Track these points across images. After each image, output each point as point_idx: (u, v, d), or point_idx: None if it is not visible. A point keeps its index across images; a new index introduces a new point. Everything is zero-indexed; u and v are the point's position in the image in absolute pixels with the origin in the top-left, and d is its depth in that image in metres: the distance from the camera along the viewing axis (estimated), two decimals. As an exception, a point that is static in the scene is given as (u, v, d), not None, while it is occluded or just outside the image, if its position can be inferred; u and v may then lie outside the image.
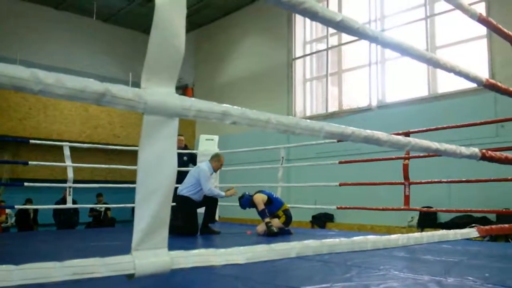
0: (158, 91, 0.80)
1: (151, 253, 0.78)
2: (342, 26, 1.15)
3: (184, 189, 5.35)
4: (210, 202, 5.49)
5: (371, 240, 1.15)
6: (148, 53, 0.80)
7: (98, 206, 9.76)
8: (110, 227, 9.38)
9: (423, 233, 1.37)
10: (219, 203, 7.12)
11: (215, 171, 5.55)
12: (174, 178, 0.82)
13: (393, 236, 1.23)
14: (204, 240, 4.94)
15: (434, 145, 1.39)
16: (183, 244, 4.16)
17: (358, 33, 1.21)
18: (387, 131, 4.98)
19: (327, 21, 1.12)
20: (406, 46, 1.37)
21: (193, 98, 0.86)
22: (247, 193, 5.34)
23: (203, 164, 5.48)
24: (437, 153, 1.42)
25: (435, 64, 1.49)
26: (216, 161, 5.51)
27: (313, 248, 1.02)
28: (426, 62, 1.47)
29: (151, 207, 0.79)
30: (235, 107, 0.92)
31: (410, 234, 1.33)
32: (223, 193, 5.34)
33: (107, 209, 10.35)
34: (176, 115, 0.82)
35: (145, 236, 0.78)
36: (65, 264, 0.70)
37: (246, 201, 5.23)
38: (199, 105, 0.86)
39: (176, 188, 6.76)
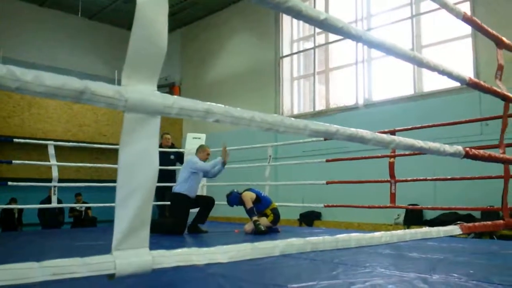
0: (139, 88, 0.79)
1: (132, 253, 0.77)
2: (326, 25, 1.15)
3: (178, 186, 5.30)
4: (205, 204, 5.43)
5: (354, 238, 1.15)
6: (129, 51, 0.79)
7: (78, 205, 9.61)
8: (92, 227, 9.28)
9: (406, 230, 1.38)
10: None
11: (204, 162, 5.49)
12: (155, 177, 0.81)
13: (377, 234, 1.24)
14: (190, 239, 4.91)
15: (418, 143, 1.40)
16: (170, 243, 4.14)
17: (342, 32, 1.21)
18: (374, 129, 4.99)
19: (311, 20, 1.12)
20: (389, 45, 1.38)
21: (175, 96, 0.85)
22: (235, 190, 5.32)
23: (189, 157, 5.48)
24: (421, 151, 1.43)
25: (418, 63, 1.50)
26: (202, 152, 5.48)
27: (296, 246, 1.02)
28: (410, 61, 1.48)
29: (131, 206, 0.78)
30: (218, 104, 0.91)
31: (394, 232, 1.34)
32: (219, 158, 5.27)
33: (87, 208, 10.19)
34: (157, 113, 0.81)
35: (125, 236, 0.77)
36: (43, 264, 0.69)
37: (235, 199, 5.22)
38: (181, 103, 0.85)
39: (167, 188, 6.78)
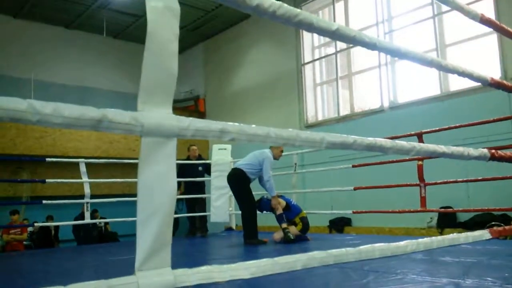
0: (155, 113, 0.82)
1: (155, 273, 0.80)
2: (338, 35, 1.16)
3: (243, 165, 5.22)
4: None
5: (378, 248, 1.15)
6: (142, 77, 0.82)
7: (97, 221, 9.73)
8: (115, 241, 9.42)
9: (433, 238, 1.36)
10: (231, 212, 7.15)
11: (276, 159, 5.37)
12: (174, 198, 0.83)
13: (402, 243, 1.23)
14: (216, 250, 4.94)
15: (440, 148, 1.38)
16: (192, 260, 4.17)
17: (355, 41, 1.21)
18: (400, 132, 4.88)
19: (323, 31, 1.13)
20: (405, 51, 1.37)
21: (190, 118, 0.88)
22: (265, 196, 5.31)
23: (267, 151, 5.28)
24: (443, 156, 1.41)
25: (437, 66, 1.49)
26: (276, 148, 5.31)
27: (318, 259, 1.02)
28: (428, 64, 1.46)
29: (152, 227, 0.80)
30: (232, 123, 0.93)
31: (420, 240, 1.32)
32: (275, 193, 5.11)
33: (106, 223, 10.23)
34: (173, 135, 0.83)
35: (148, 256, 0.79)
36: (68, 287, 0.72)
37: (265, 205, 5.20)
38: (196, 124, 0.87)
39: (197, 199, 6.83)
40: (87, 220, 6.22)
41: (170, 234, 0.83)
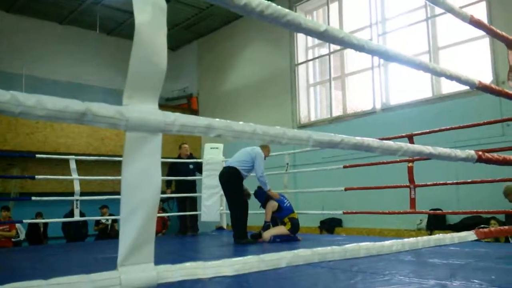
0: (140, 107, 0.81)
1: (137, 268, 0.79)
2: (326, 36, 1.16)
3: (236, 162, 5.23)
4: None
5: (363, 247, 1.15)
6: (129, 71, 0.81)
7: (104, 218, 9.62)
8: (116, 239, 9.34)
9: (419, 238, 1.37)
10: (224, 212, 7.14)
11: (265, 157, 5.43)
12: (158, 194, 0.83)
13: (387, 243, 1.23)
14: (205, 249, 4.93)
15: (427, 149, 1.39)
16: (178, 258, 4.16)
17: (344, 42, 1.22)
18: (392, 134, 4.90)
19: (311, 32, 1.13)
20: (393, 53, 1.37)
21: (177, 113, 0.87)
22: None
23: (258, 148, 5.34)
24: (430, 157, 1.42)
25: (425, 68, 1.50)
26: (265, 147, 5.41)
27: (303, 257, 1.03)
28: (416, 67, 1.47)
29: (136, 223, 0.80)
30: (219, 120, 0.93)
31: (405, 240, 1.33)
32: (268, 187, 5.17)
33: (113, 221, 9.99)
34: (159, 130, 0.83)
35: (130, 251, 0.79)
36: (50, 282, 0.71)
37: (261, 195, 5.27)
38: (182, 119, 0.87)
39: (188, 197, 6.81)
40: (76, 217, 6.18)
41: (153, 230, 0.83)
